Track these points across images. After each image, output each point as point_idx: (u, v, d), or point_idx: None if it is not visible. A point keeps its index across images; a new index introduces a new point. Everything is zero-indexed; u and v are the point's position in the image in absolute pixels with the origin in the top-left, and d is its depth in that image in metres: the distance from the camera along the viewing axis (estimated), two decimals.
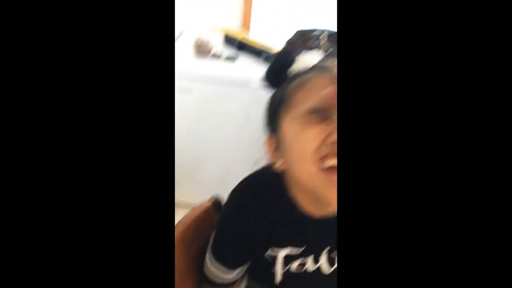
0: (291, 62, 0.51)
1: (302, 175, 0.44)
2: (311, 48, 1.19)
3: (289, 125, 0.45)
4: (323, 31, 1.21)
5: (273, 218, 0.50)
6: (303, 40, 1.21)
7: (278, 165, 0.47)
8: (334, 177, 0.40)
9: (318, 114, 0.42)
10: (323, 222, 0.48)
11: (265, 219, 0.50)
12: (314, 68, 0.48)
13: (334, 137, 0.40)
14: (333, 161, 0.41)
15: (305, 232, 0.49)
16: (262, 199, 0.51)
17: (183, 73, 1.06)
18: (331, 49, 1.18)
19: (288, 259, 0.50)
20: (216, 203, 0.62)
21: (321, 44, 1.17)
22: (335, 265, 0.52)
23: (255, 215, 0.50)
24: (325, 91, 0.41)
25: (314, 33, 1.20)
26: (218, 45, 1.14)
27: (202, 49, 1.07)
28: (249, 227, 0.51)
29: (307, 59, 0.49)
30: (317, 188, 0.42)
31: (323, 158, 0.41)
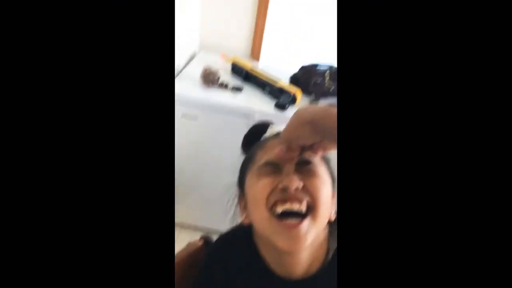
0: (262, 133, 0.54)
1: (257, 222, 0.47)
2: (315, 85, 1.21)
3: (249, 180, 0.49)
4: (326, 67, 1.24)
5: (247, 278, 0.51)
6: (307, 76, 1.24)
7: (243, 218, 0.50)
8: (285, 223, 0.43)
9: (270, 166, 0.46)
10: (299, 284, 0.49)
11: (240, 277, 0.52)
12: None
13: (284, 183, 0.43)
14: (283, 207, 0.43)
15: None
16: (236, 257, 0.53)
17: (190, 100, 1.10)
18: (333, 87, 1.20)
19: None
20: (206, 242, 0.65)
21: (325, 81, 1.19)
22: None
23: (230, 272, 0.52)
24: (276, 148, 0.44)
25: (318, 68, 1.22)
26: (225, 74, 1.18)
27: (209, 79, 1.10)
28: (224, 281, 0.52)
29: (277, 129, 0.52)
30: (270, 235, 0.44)
31: (274, 205, 0.44)
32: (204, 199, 1.26)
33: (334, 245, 0.50)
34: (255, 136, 0.55)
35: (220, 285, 0.52)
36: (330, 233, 0.50)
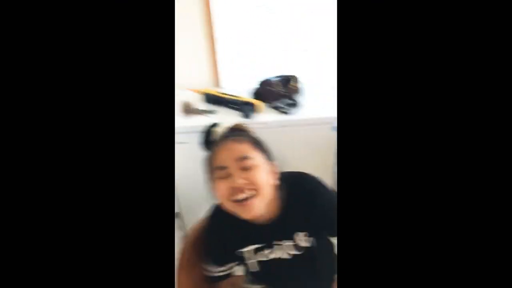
0: (209, 133, 0.82)
1: (224, 206, 0.72)
2: (279, 95, 1.51)
3: (211, 182, 0.74)
4: (276, 78, 1.57)
5: (235, 232, 0.77)
6: (269, 88, 1.55)
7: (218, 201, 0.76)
8: (240, 204, 0.67)
9: (220, 170, 0.70)
10: (271, 226, 0.75)
11: (232, 235, 0.77)
12: (225, 136, 0.79)
13: (232, 185, 0.67)
14: (236, 197, 0.67)
15: (260, 234, 0.77)
16: (224, 222, 0.78)
17: (178, 129, 1.36)
18: (282, 91, 1.52)
19: (255, 251, 0.78)
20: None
21: (292, 87, 1.48)
22: (301, 251, 0.78)
23: (225, 234, 0.78)
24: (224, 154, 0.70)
25: (270, 80, 1.55)
26: (198, 102, 1.46)
27: (188, 110, 1.38)
28: (222, 241, 0.79)
29: (217, 130, 0.81)
30: (235, 211, 0.70)
31: (231, 196, 0.68)
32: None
33: (282, 196, 0.76)
34: (207, 134, 0.83)
35: (220, 237, 0.79)
36: (277, 192, 0.76)
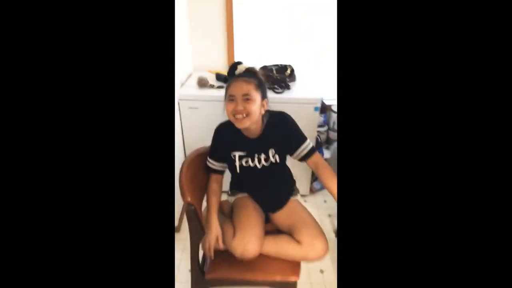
0: (234, 67, 1.18)
1: (229, 118, 1.10)
2: (275, 79, 1.86)
3: (225, 104, 1.12)
4: (273, 66, 1.92)
5: (232, 139, 1.15)
6: (267, 73, 1.91)
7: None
8: (237, 118, 1.07)
9: (230, 97, 1.10)
10: (256, 140, 1.12)
11: (230, 140, 1.15)
12: (241, 74, 1.15)
13: (236, 108, 1.07)
14: (236, 116, 1.08)
15: (247, 145, 1.13)
16: (226, 131, 1.17)
17: (192, 97, 1.74)
18: (278, 77, 1.87)
19: (240, 158, 1.14)
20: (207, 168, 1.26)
21: (273, 74, 1.86)
22: (265, 163, 1.15)
23: (225, 139, 1.16)
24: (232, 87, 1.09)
25: (268, 67, 1.90)
26: (212, 80, 1.83)
27: (202, 83, 1.75)
28: (222, 143, 1.17)
29: (239, 67, 1.15)
30: (234, 124, 1.08)
31: (233, 114, 1.07)
32: None
33: (265, 123, 1.14)
34: (232, 69, 1.18)
35: (220, 147, 1.16)
36: (262, 117, 1.14)
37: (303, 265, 1.14)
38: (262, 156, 1.15)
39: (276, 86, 1.74)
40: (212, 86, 1.77)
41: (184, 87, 1.80)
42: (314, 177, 2.12)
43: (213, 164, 1.20)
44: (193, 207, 0.95)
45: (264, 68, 1.85)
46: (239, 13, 1.92)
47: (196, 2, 1.90)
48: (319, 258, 1.03)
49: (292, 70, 1.84)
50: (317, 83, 1.91)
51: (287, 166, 1.28)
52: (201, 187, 1.15)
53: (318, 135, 2.05)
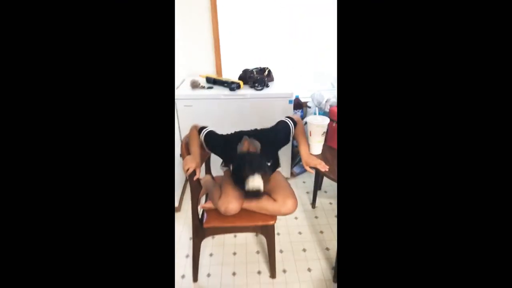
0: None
1: None
2: (255, 79, 2.23)
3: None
4: (255, 68, 2.28)
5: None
6: (249, 74, 2.28)
7: None
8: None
9: None
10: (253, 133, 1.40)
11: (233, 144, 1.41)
12: None
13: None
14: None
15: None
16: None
17: (186, 96, 2.07)
18: (259, 77, 2.25)
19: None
20: (199, 129, 1.55)
21: (254, 75, 2.23)
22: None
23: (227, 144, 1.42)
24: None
25: (250, 69, 2.27)
26: (203, 81, 2.17)
27: (195, 85, 2.09)
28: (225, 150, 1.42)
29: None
30: None
31: None
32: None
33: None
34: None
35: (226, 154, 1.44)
36: None
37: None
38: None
39: (256, 85, 2.09)
40: (203, 87, 2.11)
41: (179, 89, 2.14)
42: (294, 163, 2.45)
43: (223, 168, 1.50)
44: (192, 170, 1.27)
45: (245, 70, 2.20)
46: (224, 22, 2.28)
47: (183, 13, 2.25)
48: (290, 212, 1.34)
49: (270, 71, 2.20)
50: (291, 82, 2.27)
51: (277, 157, 1.50)
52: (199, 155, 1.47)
53: None
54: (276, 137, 1.40)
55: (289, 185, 1.44)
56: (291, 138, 1.44)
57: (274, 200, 1.35)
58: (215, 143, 1.38)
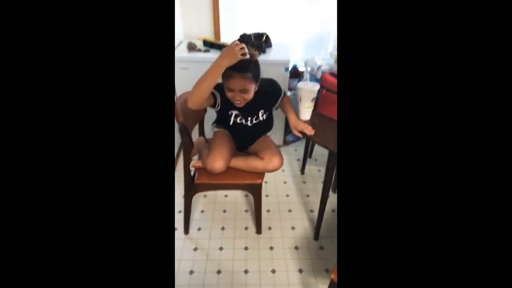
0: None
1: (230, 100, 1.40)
2: (253, 44, 2.23)
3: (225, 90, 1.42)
4: (251, 34, 2.27)
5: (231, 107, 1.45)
6: (246, 39, 2.29)
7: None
8: (237, 104, 1.36)
9: (230, 89, 1.36)
10: (248, 105, 1.42)
11: (230, 107, 1.44)
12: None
13: (236, 97, 1.35)
14: (237, 102, 1.36)
15: (243, 107, 1.44)
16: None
17: (182, 58, 2.07)
18: (256, 43, 2.24)
19: (235, 116, 1.48)
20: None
21: (252, 40, 2.22)
22: (255, 121, 1.49)
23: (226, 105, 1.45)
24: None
25: (248, 34, 2.26)
26: (200, 45, 2.17)
27: (192, 47, 2.09)
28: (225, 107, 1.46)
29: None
30: (235, 104, 1.39)
31: (233, 101, 1.37)
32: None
33: (256, 87, 1.44)
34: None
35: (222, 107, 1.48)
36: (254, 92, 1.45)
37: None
38: (254, 117, 1.48)
39: (254, 49, 2.09)
40: (200, 50, 2.11)
41: (176, 51, 2.14)
42: (288, 131, 2.51)
43: (214, 127, 1.59)
44: (184, 126, 1.32)
45: (243, 35, 2.19)
46: None
47: None
48: (276, 168, 1.44)
49: (268, 37, 2.19)
50: (289, 49, 2.26)
51: (272, 116, 1.59)
52: (192, 115, 1.52)
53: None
54: (271, 88, 1.50)
55: (275, 145, 1.52)
56: (278, 101, 1.52)
57: (261, 158, 1.43)
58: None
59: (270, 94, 1.48)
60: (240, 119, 1.49)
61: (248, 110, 1.45)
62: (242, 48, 1.23)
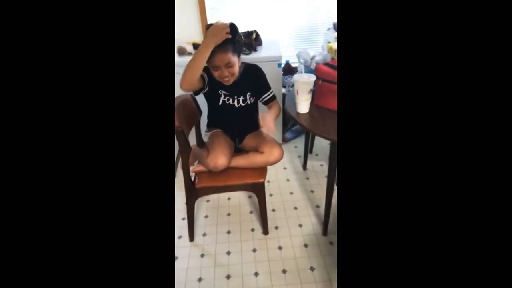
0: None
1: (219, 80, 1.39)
2: (243, 42, 2.20)
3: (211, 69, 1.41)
4: (250, 31, 2.23)
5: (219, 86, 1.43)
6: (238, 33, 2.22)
7: None
8: (227, 82, 1.36)
9: (216, 67, 1.35)
10: (235, 84, 1.42)
11: (218, 85, 1.42)
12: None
13: (223, 74, 1.35)
14: (225, 79, 1.37)
15: (231, 87, 1.42)
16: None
17: (177, 62, 2.04)
18: (245, 41, 2.22)
19: (224, 95, 1.46)
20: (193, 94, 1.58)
21: (242, 38, 2.19)
22: (244, 103, 1.47)
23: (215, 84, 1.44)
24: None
25: (243, 33, 2.22)
26: (190, 49, 2.14)
27: (181, 51, 2.05)
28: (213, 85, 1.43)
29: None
30: (222, 82, 1.38)
31: (222, 79, 1.37)
32: None
33: (242, 69, 1.44)
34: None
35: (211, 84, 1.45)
36: (240, 72, 1.44)
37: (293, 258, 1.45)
38: (241, 98, 1.47)
39: (244, 48, 2.06)
40: (190, 54, 2.08)
41: None
42: (286, 129, 2.47)
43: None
44: (181, 130, 1.28)
45: (232, 24, 2.16)
46: None
47: None
48: (277, 160, 1.41)
49: (258, 35, 2.16)
50: (280, 46, 2.23)
51: (257, 109, 1.58)
52: (188, 116, 1.48)
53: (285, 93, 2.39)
54: (256, 70, 1.50)
55: (272, 137, 1.50)
56: (267, 93, 1.51)
57: (261, 152, 1.41)
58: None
59: (255, 79, 1.49)
60: (228, 99, 1.48)
61: (236, 90, 1.45)
62: (225, 27, 1.26)
